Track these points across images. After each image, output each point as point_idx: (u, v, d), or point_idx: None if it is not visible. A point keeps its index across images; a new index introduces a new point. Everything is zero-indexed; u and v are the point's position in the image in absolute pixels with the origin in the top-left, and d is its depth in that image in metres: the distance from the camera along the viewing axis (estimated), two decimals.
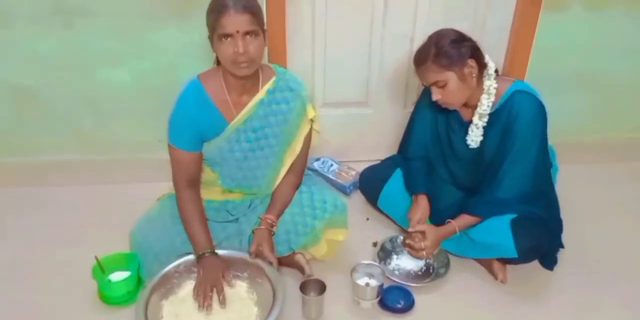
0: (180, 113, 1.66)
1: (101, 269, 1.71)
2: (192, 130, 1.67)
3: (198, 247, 1.64)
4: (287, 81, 1.71)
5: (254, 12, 1.53)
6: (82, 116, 2.17)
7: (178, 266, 1.68)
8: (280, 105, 1.71)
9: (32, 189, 2.23)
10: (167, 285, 1.65)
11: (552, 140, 1.86)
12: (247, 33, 1.52)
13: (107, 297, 1.71)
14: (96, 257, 1.71)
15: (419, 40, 1.73)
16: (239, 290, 1.67)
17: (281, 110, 1.71)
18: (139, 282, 1.73)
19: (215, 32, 1.54)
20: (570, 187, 2.12)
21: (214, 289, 1.58)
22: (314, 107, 1.77)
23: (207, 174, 1.80)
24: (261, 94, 1.68)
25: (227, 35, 1.52)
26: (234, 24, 1.51)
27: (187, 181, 1.71)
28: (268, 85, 1.69)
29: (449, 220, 1.76)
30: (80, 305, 1.71)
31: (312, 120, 1.78)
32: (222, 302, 1.58)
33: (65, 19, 1.95)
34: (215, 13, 1.52)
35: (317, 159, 2.36)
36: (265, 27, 1.60)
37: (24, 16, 1.94)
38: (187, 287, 1.67)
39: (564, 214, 1.89)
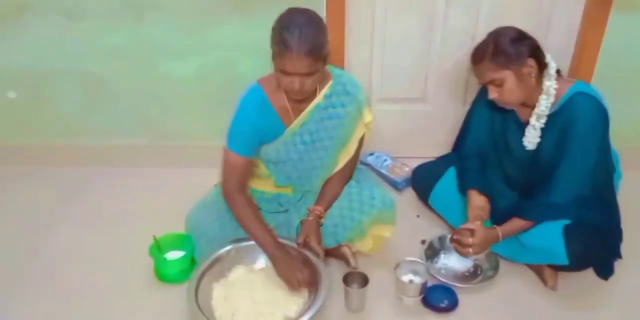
0: (242, 119, 1.68)
1: (158, 248, 1.81)
2: (252, 135, 1.70)
3: (268, 248, 1.67)
4: (344, 85, 1.72)
5: (317, 56, 1.51)
6: (147, 105, 2.29)
7: (230, 251, 1.74)
8: (336, 109, 1.71)
9: (100, 170, 2.37)
10: (218, 269, 1.72)
11: (617, 145, 1.79)
12: (306, 74, 1.54)
13: (162, 275, 1.80)
14: (154, 236, 1.81)
15: (480, 37, 1.69)
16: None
17: (337, 114, 1.72)
18: (192, 261, 1.82)
19: (275, 60, 1.55)
20: (635, 195, 2.02)
21: (308, 282, 1.63)
22: (371, 111, 1.77)
23: (262, 170, 1.84)
24: (318, 98, 1.69)
25: (285, 72, 1.54)
26: (294, 67, 1.51)
27: (239, 185, 1.73)
28: (325, 90, 1.70)
29: (494, 226, 1.73)
30: (137, 281, 1.82)
31: (367, 124, 1.78)
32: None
33: (135, 14, 2.06)
34: (278, 46, 1.50)
35: (371, 154, 2.36)
36: (328, 54, 1.57)
37: (97, 10, 2.06)
38: (238, 271, 1.74)
39: (626, 223, 1.80)
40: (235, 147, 1.70)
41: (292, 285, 1.62)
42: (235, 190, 1.73)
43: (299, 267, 1.63)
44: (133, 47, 2.14)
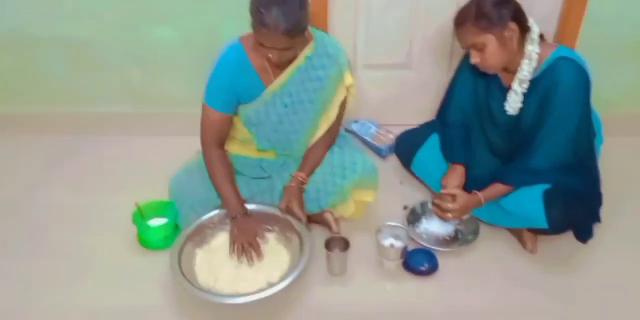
0: (220, 75, 1.68)
1: (141, 215, 1.82)
2: (230, 92, 1.70)
3: (231, 209, 1.69)
4: (325, 47, 1.70)
5: (294, 34, 1.50)
6: (131, 71, 2.26)
7: (212, 217, 1.75)
8: (317, 71, 1.70)
9: (84, 137, 2.36)
10: (201, 235, 1.73)
11: (600, 112, 1.79)
12: (284, 49, 1.53)
13: (145, 241, 1.82)
14: (137, 204, 1.82)
15: (465, 2, 1.67)
16: (268, 242, 1.73)
17: (318, 76, 1.71)
18: (175, 228, 1.83)
19: (253, 31, 1.53)
20: (616, 160, 2.04)
21: (250, 246, 1.65)
22: (352, 74, 1.76)
23: (244, 133, 1.83)
24: (299, 59, 1.68)
25: (263, 46, 1.53)
26: (271, 43, 1.51)
27: (216, 141, 1.74)
28: (306, 51, 1.68)
29: (475, 191, 1.74)
30: (120, 247, 1.83)
31: (348, 87, 1.77)
32: (259, 257, 1.65)
33: None
34: (256, 21, 1.49)
35: (356, 121, 2.36)
36: (308, 22, 1.56)
37: None
38: (220, 237, 1.75)
39: (606, 188, 1.82)
40: (213, 103, 1.70)
41: (233, 249, 1.65)
42: (212, 144, 1.74)
43: (250, 233, 1.66)
44: (116, 11, 2.10)
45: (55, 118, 2.37)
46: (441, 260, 1.73)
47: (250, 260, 1.64)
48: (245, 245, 1.64)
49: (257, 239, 1.68)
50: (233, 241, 1.66)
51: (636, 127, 2.28)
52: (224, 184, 1.71)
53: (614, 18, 2.06)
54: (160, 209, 1.86)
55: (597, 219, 1.79)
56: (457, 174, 1.85)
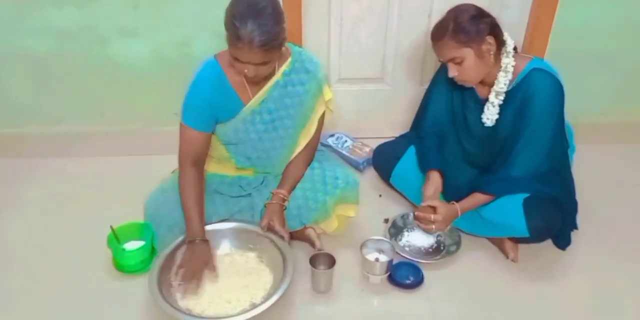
0: (196, 94, 1.63)
1: (116, 238, 1.75)
2: (207, 111, 1.66)
3: (191, 232, 1.61)
4: (303, 62, 1.69)
5: (271, 47, 1.47)
6: (100, 88, 2.19)
7: None
8: (296, 87, 1.69)
9: (52, 159, 2.27)
10: (180, 256, 1.65)
11: (570, 120, 1.84)
12: (260, 64, 1.51)
13: (122, 266, 1.75)
14: (111, 227, 1.75)
15: (437, 16, 1.70)
16: (250, 261, 1.70)
17: (297, 92, 1.69)
18: (152, 251, 1.76)
19: (229, 46, 1.50)
20: (588, 167, 2.09)
21: (193, 277, 1.55)
22: (330, 89, 1.75)
23: (221, 152, 1.80)
24: (277, 75, 1.66)
25: (238, 60, 1.50)
26: (247, 58, 1.48)
27: (193, 160, 1.67)
28: (284, 67, 1.67)
29: (452, 202, 1.76)
30: (95, 272, 1.75)
31: (327, 102, 1.76)
32: (196, 290, 1.56)
33: None
34: (231, 35, 1.46)
35: (332, 135, 2.35)
36: (285, 38, 1.54)
37: None
38: None
39: (580, 195, 1.87)
40: (190, 123, 1.65)
41: (177, 272, 1.57)
42: (189, 163, 1.67)
43: (200, 262, 1.57)
44: (81, 26, 2.03)
45: (20, 139, 2.27)
46: (426, 272, 1.73)
47: (186, 290, 1.55)
48: (189, 275, 1.55)
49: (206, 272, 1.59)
50: (181, 265, 1.58)
51: (605, 134, 2.35)
52: (191, 206, 1.63)
53: (581, 28, 2.13)
54: (135, 231, 1.79)
55: (574, 226, 1.83)
56: (433, 182, 1.85)
